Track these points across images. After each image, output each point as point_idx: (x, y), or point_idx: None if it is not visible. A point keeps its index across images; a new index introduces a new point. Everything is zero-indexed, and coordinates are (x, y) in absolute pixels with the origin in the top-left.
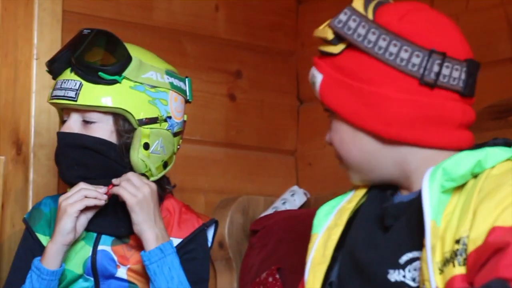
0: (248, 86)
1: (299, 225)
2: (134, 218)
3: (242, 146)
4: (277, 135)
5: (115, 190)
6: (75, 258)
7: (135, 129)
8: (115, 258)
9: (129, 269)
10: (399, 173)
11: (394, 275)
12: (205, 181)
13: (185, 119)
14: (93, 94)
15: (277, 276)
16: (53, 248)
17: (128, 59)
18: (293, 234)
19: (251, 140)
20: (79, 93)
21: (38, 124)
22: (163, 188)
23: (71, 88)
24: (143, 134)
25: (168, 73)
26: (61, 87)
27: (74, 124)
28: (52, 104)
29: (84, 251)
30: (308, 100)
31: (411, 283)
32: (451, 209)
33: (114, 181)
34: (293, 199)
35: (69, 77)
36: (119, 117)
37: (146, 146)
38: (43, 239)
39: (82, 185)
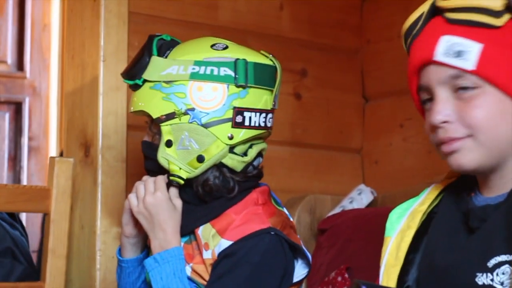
0: (313, 84)
1: (368, 224)
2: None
3: (308, 145)
4: (342, 133)
5: (129, 196)
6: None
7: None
8: (184, 255)
9: (192, 268)
10: None
11: (482, 279)
12: (271, 180)
13: (236, 105)
14: (132, 100)
15: (346, 275)
16: (121, 240)
17: (143, 61)
18: (362, 233)
19: (316, 138)
20: (131, 101)
21: (106, 126)
22: (226, 185)
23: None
24: (164, 131)
25: (199, 62)
26: None
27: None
28: None
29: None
30: (373, 98)
31: (499, 287)
32: None
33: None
34: (360, 197)
35: None
36: (151, 118)
37: (169, 144)
38: None
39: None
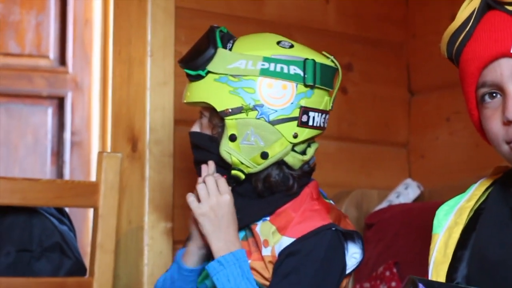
0: (359, 79)
1: (416, 219)
2: (200, 229)
3: (354, 139)
4: (388, 127)
5: (187, 197)
6: None
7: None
8: None
9: (250, 265)
10: None
11: None
12: (318, 174)
13: (303, 104)
14: (190, 91)
15: (394, 270)
16: (189, 248)
17: (209, 52)
18: (410, 228)
19: (362, 133)
20: (186, 91)
21: (153, 121)
22: (286, 181)
23: (186, 88)
24: (228, 125)
25: (268, 58)
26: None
27: (197, 122)
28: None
29: None
30: (419, 92)
31: None
32: None
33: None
34: (407, 192)
35: None
36: (213, 111)
37: (233, 138)
38: None
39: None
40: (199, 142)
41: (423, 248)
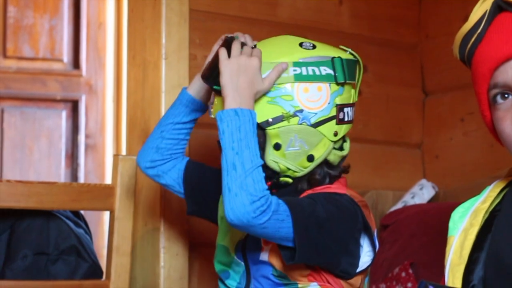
0: (373, 80)
1: (431, 220)
2: (220, 79)
3: (368, 141)
4: (402, 128)
5: (220, 49)
6: (233, 239)
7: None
8: (261, 240)
9: (271, 250)
10: None
11: None
12: None
13: (338, 102)
14: (218, 106)
15: (410, 271)
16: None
17: None
18: (425, 229)
19: (377, 134)
20: (216, 106)
21: None
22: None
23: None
24: (271, 135)
25: (297, 63)
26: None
27: None
28: None
29: (241, 233)
30: (433, 93)
31: None
32: None
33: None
34: (421, 193)
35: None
36: None
37: (277, 147)
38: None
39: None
40: None
41: (439, 249)
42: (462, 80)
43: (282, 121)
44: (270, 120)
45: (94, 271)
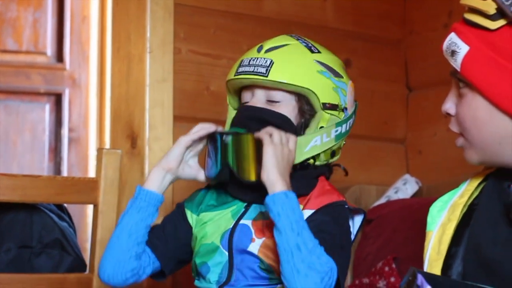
0: (358, 75)
1: (414, 214)
2: (264, 162)
3: (353, 136)
4: (386, 123)
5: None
6: (218, 231)
7: (315, 112)
8: (253, 230)
9: (264, 243)
10: None
11: None
12: None
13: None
14: (285, 71)
15: (394, 265)
16: (153, 170)
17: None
18: (408, 223)
19: (361, 129)
20: (270, 69)
21: (152, 117)
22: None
23: (261, 65)
24: (323, 118)
25: (343, 66)
26: (249, 64)
27: (259, 102)
28: (235, 81)
29: (227, 224)
30: (417, 88)
31: None
32: None
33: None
34: (405, 188)
35: (259, 55)
36: (303, 98)
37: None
38: (189, 214)
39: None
40: (276, 122)
41: (422, 243)
42: (446, 75)
43: (336, 110)
44: (329, 104)
45: (78, 265)
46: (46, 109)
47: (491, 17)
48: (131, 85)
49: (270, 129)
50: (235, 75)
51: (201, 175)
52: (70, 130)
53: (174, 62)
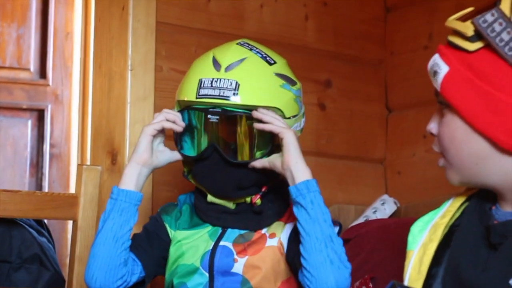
0: (338, 95)
1: (392, 234)
2: (291, 150)
3: (332, 155)
4: (366, 143)
5: (261, 126)
6: (196, 252)
7: None
8: (234, 252)
9: (247, 261)
10: (506, 184)
11: None
12: None
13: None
14: (253, 93)
15: (371, 285)
16: (128, 167)
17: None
18: (387, 243)
19: (340, 149)
20: (237, 93)
21: (133, 134)
22: None
23: (227, 88)
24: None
25: (289, 65)
26: (212, 86)
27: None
28: (197, 103)
29: (205, 245)
30: (396, 109)
31: None
32: None
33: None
34: (383, 208)
35: (220, 75)
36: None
37: None
38: (168, 228)
39: (165, 109)
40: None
41: (400, 263)
42: (426, 96)
43: (296, 117)
44: (291, 117)
45: (56, 280)
46: (29, 125)
47: (470, 39)
48: (112, 102)
49: (271, 115)
50: (197, 98)
51: (176, 155)
52: (51, 146)
53: (155, 80)
